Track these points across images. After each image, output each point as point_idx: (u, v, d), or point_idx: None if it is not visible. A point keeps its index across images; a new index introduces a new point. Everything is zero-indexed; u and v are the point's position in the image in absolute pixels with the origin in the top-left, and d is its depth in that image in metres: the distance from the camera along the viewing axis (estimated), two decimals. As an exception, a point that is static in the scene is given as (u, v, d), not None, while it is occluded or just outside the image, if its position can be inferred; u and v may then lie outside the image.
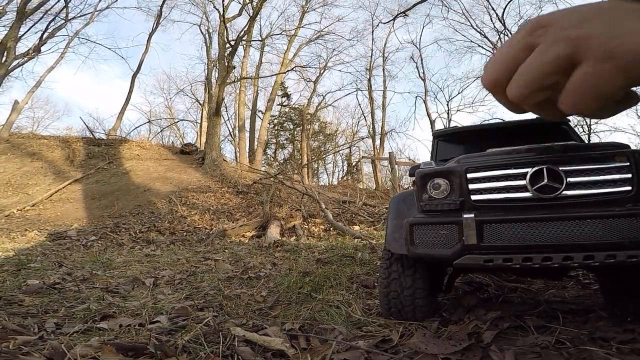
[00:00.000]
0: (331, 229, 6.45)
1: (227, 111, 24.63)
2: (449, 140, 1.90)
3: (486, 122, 1.81)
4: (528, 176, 1.27)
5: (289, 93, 26.01)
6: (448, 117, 22.37)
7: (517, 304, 1.84)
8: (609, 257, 1.15)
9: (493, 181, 1.33)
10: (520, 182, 1.29)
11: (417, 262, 1.55)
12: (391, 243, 1.55)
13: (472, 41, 19.99)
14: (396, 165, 12.39)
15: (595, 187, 1.23)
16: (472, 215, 1.27)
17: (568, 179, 1.24)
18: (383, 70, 24.55)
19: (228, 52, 13.08)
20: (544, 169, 1.26)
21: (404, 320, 1.56)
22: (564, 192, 1.24)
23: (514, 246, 1.23)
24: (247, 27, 14.00)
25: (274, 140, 26.96)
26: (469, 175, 1.36)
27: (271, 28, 22.02)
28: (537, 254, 1.21)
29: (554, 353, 1.20)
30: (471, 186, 1.35)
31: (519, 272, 2.03)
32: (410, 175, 1.65)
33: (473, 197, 1.34)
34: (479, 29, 18.77)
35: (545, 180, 1.25)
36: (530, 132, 1.77)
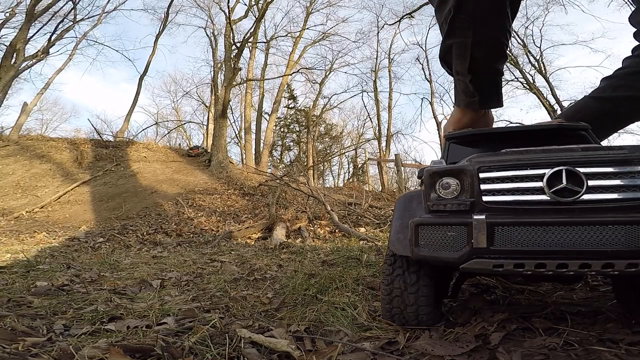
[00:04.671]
0: (337, 231, 6.44)
1: (233, 113, 24.73)
2: (461, 143, 1.83)
3: (501, 126, 1.67)
4: (545, 178, 1.19)
5: (295, 95, 26.06)
6: (454, 118, 22.27)
7: (524, 306, 1.82)
8: (630, 266, 1.07)
9: (507, 182, 1.25)
10: (536, 184, 1.21)
11: (422, 265, 1.48)
12: (395, 243, 1.47)
13: (478, 42, 19.89)
14: (402, 168, 12.36)
15: (618, 191, 1.14)
16: (483, 217, 1.19)
17: (589, 182, 1.15)
18: (389, 71, 24.54)
19: (234, 54, 13.13)
20: (563, 171, 1.17)
21: (407, 326, 1.51)
22: (584, 196, 1.15)
23: (527, 251, 1.15)
24: (252, 28, 14.06)
25: (280, 142, 27.03)
26: (481, 175, 1.27)
27: (276, 29, 22.10)
28: (552, 260, 1.12)
29: (561, 355, 1.19)
30: (483, 186, 1.26)
31: (531, 278, 1.92)
32: (419, 177, 1.58)
33: (485, 198, 1.25)
34: (485, 30, 18.67)
35: (564, 183, 1.16)
36: (547, 137, 1.70)
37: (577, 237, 1.11)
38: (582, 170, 1.16)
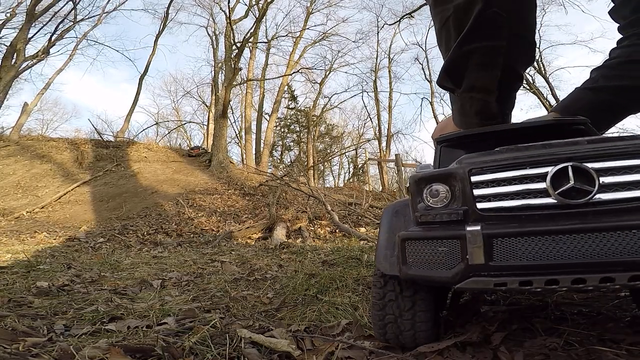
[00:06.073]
0: (337, 231, 6.44)
1: (233, 113, 24.75)
2: (454, 145, 1.64)
3: (496, 125, 1.49)
4: (549, 177, 1.00)
5: (295, 95, 26.08)
6: (455, 118, 22.38)
7: (524, 306, 1.82)
8: None
9: (504, 185, 1.06)
10: (539, 185, 1.02)
11: (418, 287, 1.30)
12: (381, 261, 1.28)
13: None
14: (402, 167, 12.37)
15: (638, 188, 0.95)
16: (479, 228, 1.01)
17: (601, 179, 0.97)
18: (389, 71, 24.57)
19: (234, 54, 13.14)
20: (569, 168, 0.99)
21: (403, 347, 1.34)
22: (597, 196, 0.96)
23: (534, 265, 0.97)
24: (253, 28, 14.07)
25: (280, 142, 27.04)
26: (474, 179, 1.08)
27: (277, 29, 22.13)
28: (565, 275, 0.94)
29: (562, 355, 1.18)
30: (476, 192, 1.08)
31: (541, 294, 1.71)
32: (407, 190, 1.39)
33: (479, 205, 1.06)
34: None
35: (572, 182, 0.98)
36: (544, 133, 1.52)
37: (595, 246, 0.93)
38: (591, 165, 0.99)
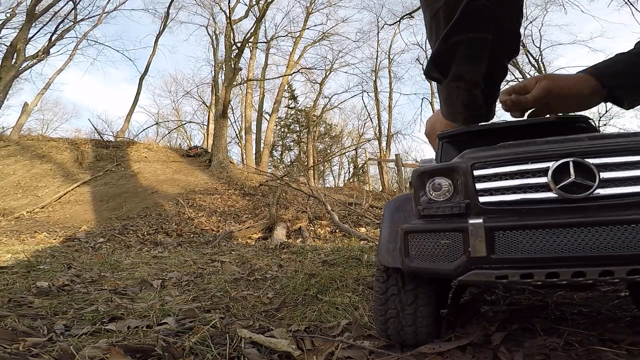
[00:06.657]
0: (337, 231, 6.44)
1: (233, 113, 24.75)
2: (456, 142, 1.65)
3: (497, 122, 1.48)
4: (550, 172, 1.02)
5: (295, 95, 26.07)
6: (455, 118, 22.40)
7: (525, 306, 1.82)
8: None
9: (506, 179, 1.08)
10: (540, 180, 1.03)
11: (420, 282, 1.31)
12: (384, 254, 1.29)
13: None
14: (402, 167, 12.38)
15: (637, 184, 0.97)
16: (481, 221, 1.03)
17: (602, 175, 0.99)
18: (389, 71, 24.59)
19: (234, 54, 13.14)
20: (570, 163, 1.00)
21: (404, 344, 1.35)
22: (597, 191, 0.99)
23: (535, 258, 0.98)
24: (253, 28, 14.08)
25: (281, 142, 27.03)
26: (476, 173, 1.10)
27: (276, 30, 22.11)
28: (566, 269, 0.96)
29: (562, 355, 1.18)
30: (479, 185, 1.10)
31: (541, 287, 1.75)
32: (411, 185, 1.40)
33: (481, 199, 1.08)
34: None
35: (573, 177, 1.00)
36: (547, 131, 1.52)
37: (595, 240, 0.95)
38: (592, 161, 1.01)
